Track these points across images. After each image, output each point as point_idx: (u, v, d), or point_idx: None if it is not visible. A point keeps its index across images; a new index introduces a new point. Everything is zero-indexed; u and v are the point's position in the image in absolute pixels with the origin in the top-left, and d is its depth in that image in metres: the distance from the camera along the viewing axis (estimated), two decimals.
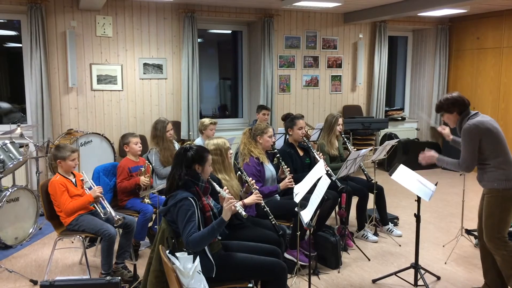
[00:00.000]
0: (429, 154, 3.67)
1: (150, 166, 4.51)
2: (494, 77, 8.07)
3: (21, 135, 5.40)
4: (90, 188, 3.97)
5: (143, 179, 4.30)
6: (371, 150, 5.30)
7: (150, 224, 4.46)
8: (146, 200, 4.31)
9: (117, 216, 3.74)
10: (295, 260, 3.93)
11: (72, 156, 3.84)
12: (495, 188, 3.38)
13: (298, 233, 3.74)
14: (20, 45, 6.43)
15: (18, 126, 5.39)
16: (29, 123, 6.37)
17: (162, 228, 2.89)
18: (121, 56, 6.78)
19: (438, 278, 4.00)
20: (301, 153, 4.69)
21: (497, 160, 3.36)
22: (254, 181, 3.66)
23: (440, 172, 8.13)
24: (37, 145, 5.85)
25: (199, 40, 7.18)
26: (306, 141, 4.69)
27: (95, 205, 3.86)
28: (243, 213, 2.86)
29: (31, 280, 3.88)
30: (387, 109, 8.96)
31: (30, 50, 6.08)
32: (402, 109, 9.29)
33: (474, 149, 3.36)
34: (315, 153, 4.61)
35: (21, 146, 5.11)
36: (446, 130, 3.89)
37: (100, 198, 3.86)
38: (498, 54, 7.97)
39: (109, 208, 3.81)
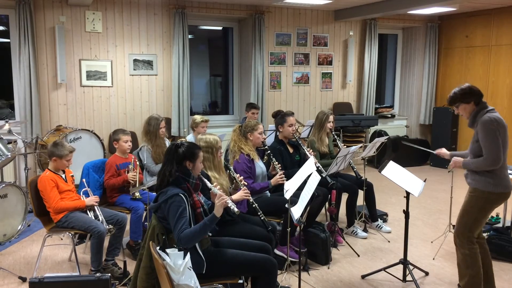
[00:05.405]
0: (457, 160, 3.49)
1: (137, 162, 4.50)
2: (482, 75, 8.16)
3: (9, 131, 5.34)
4: (86, 194, 4.00)
5: (131, 176, 4.30)
6: (361, 147, 5.32)
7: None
8: (136, 194, 4.30)
9: (109, 226, 3.79)
10: (285, 256, 3.95)
11: (68, 156, 3.90)
12: (481, 189, 3.33)
13: (289, 229, 3.75)
14: (8, 40, 6.36)
15: (6, 122, 5.33)
16: (18, 119, 6.30)
17: (153, 225, 2.89)
18: (111, 52, 6.73)
19: (427, 273, 4.04)
20: (291, 150, 4.70)
21: None
22: (242, 177, 3.67)
23: (429, 169, 8.21)
24: (25, 142, 5.80)
25: (189, 36, 7.16)
26: (297, 137, 4.70)
27: (87, 211, 3.89)
28: (235, 209, 2.86)
29: (20, 277, 3.86)
30: (377, 106, 9.02)
31: (19, 45, 6.02)
32: (391, 107, 9.35)
33: (497, 140, 3.22)
34: (305, 150, 4.62)
35: (9, 142, 5.06)
36: (442, 150, 3.81)
37: (95, 207, 3.91)
38: (487, 52, 8.06)
39: (101, 217, 3.85)
